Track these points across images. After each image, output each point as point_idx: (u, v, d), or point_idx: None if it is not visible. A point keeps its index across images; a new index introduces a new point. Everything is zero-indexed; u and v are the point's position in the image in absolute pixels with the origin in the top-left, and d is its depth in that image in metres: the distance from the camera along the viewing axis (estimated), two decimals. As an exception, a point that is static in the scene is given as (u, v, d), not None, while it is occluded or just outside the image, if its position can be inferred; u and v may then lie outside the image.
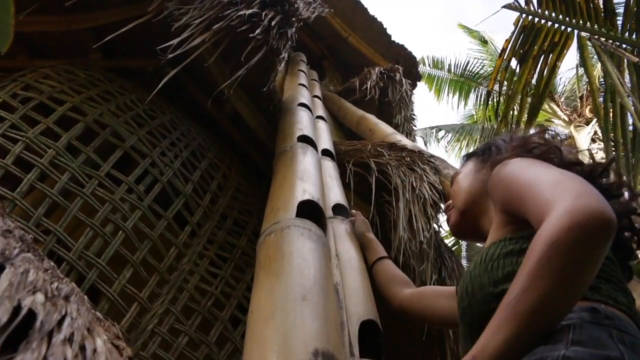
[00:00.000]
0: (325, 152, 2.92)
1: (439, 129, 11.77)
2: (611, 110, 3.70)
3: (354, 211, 2.38)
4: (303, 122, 2.92)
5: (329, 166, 2.73)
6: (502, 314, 0.94)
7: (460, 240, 9.46)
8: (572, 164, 1.32)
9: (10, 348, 0.64)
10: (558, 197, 1.00)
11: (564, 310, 0.95)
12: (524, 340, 0.92)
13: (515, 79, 4.09)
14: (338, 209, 2.28)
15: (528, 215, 1.10)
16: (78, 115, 2.73)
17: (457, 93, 11.23)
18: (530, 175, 1.16)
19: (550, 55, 3.87)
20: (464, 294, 1.22)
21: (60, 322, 0.76)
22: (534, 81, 4.13)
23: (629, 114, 3.51)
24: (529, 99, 4.25)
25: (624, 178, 1.45)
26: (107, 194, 2.52)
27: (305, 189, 1.99)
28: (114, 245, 2.41)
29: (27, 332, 0.67)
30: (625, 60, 3.64)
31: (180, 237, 2.71)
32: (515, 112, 4.24)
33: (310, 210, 1.89)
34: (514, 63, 4.19)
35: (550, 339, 0.91)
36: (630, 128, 3.60)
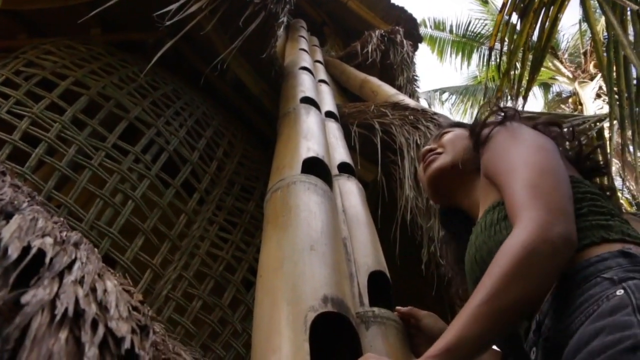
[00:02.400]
0: (329, 114, 2.93)
1: (442, 91, 11.70)
2: (614, 62, 3.66)
3: (402, 309, 1.56)
4: (305, 85, 2.92)
5: (333, 127, 2.74)
6: (480, 309, 0.98)
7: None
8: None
9: (21, 286, 0.66)
10: (531, 205, 1.06)
11: (530, 311, 1.05)
12: (495, 334, 0.99)
13: (516, 34, 4.04)
14: (344, 168, 2.29)
15: (503, 197, 1.18)
16: (81, 88, 2.74)
17: (460, 54, 11.15)
18: (512, 157, 1.22)
19: (552, 8, 3.81)
20: (474, 264, 1.23)
21: (70, 266, 0.78)
22: (535, 37, 4.08)
23: (632, 66, 3.48)
24: (531, 55, 4.20)
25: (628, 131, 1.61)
26: (115, 164, 2.54)
27: (309, 147, 2.01)
28: (125, 214, 2.44)
29: (37, 272, 0.69)
30: (629, 11, 3.59)
31: (189, 204, 2.75)
32: (518, 69, 4.20)
33: (315, 168, 1.91)
34: (514, 19, 4.13)
35: (600, 298, 0.94)
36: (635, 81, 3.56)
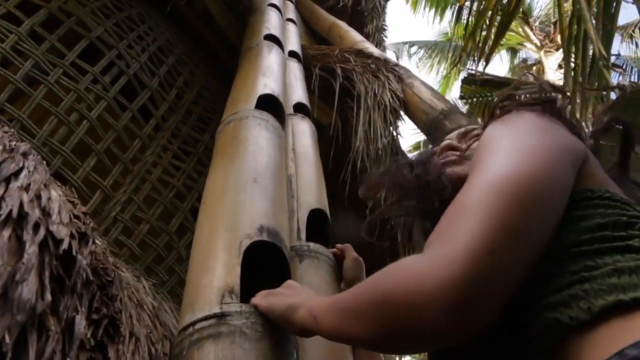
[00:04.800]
0: (292, 54, 2.95)
1: (411, 44, 11.69)
2: (575, 35, 3.75)
3: (340, 245, 1.68)
4: (271, 22, 2.92)
5: (295, 67, 2.77)
6: (336, 311, 0.88)
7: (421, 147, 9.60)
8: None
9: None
10: (446, 239, 0.73)
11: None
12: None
13: (487, -6, 4.08)
14: (299, 108, 2.34)
15: None
16: (41, 1, 2.68)
17: (434, 8, 11.10)
18: (482, 166, 0.84)
19: (524, -28, 3.86)
20: None
21: (17, 173, 0.82)
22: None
23: (589, 42, 3.57)
24: (499, 17, 4.26)
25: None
26: (72, 83, 2.52)
27: (266, 83, 2.05)
28: (79, 134, 2.44)
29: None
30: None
31: (144, 130, 2.76)
32: (484, 32, 4.26)
33: (270, 106, 1.95)
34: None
35: None
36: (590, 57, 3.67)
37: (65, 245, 0.73)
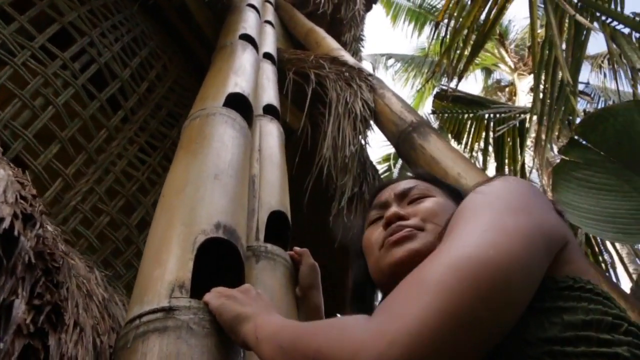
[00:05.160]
0: (267, 55, 2.94)
1: (389, 56, 11.79)
2: (546, 60, 3.83)
3: (298, 249, 1.64)
4: (248, 22, 2.91)
5: (268, 69, 2.76)
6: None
7: (392, 167, 9.69)
8: None
9: None
10: (394, 313, 0.70)
11: None
12: None
13: (464, 13, 4.14)
14: (269, 110, 2.33)
15: None
16: (12, -20, 2.63)
17: (413, 23, 11.24)
18: (448, 241, 0.78)
19: (502, -4, 3.94)
20: None
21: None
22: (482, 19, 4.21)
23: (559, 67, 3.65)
24: (474, 37, 4.33)
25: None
26: (40, 67, 2.48)
27: (237, 82, 2.04)
28: (43, 119, 2.40)
29: None
30: (568, 16, 3.74)
31: (112, 120, 2.72)
32: (459, 50, 4.32)
33: (240, 105, 1.94)
34: (467, -1, 4.22)
35: None
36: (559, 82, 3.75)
37: (6, 225, 0.71)
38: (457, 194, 1.15)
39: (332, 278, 1.90)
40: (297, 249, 1.62)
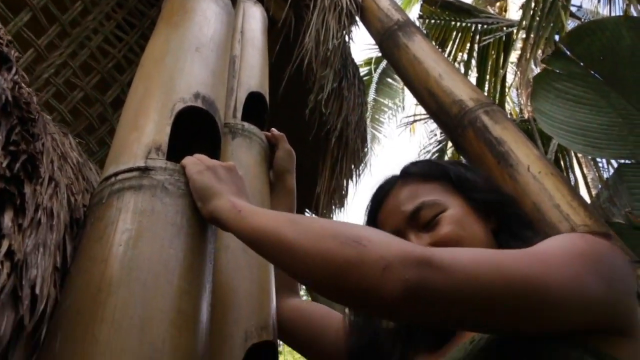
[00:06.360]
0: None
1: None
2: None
3: (275, 130, 1.64)
4: None
5: (254, -49, 2.65)
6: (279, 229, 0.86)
7: (372, 72, 9.58)
8: None
9: None
10: (456, 258, 0.73)
11: None
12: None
13: None
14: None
15: None
16: None
17: None
18: (540, 249, 0.82)
19: None
20: None
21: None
22: None
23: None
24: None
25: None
26: None
27: (221, -42, 1.96)
28: (14, -16, 2.29)
29: None
30: None
31: (88, -8, 2.61)
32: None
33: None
34: None
35: None
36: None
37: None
38: (447, 176, 1.14)
39: (303, 168, 1.91)
40: (274, 130, 1.63)
